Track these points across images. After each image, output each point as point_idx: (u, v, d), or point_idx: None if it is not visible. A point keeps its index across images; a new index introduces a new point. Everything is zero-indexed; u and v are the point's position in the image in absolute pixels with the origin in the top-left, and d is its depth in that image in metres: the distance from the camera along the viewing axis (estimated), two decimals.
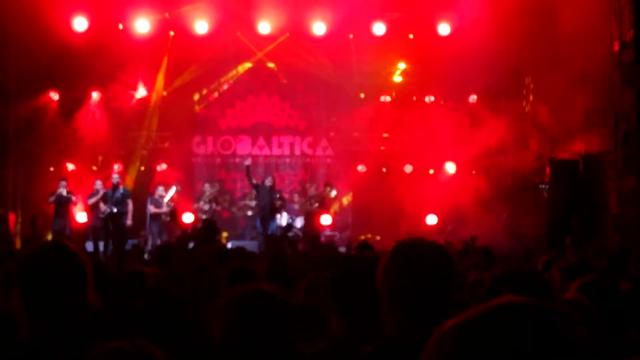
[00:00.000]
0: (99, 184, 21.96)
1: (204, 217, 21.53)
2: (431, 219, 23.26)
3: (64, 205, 21.35)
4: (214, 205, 23.32)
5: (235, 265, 6.86)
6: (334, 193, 23.17)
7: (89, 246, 20.64)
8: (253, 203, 22.96)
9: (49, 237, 20.87)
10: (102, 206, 21.55)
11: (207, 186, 23.71)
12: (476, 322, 1.78)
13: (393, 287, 3.35)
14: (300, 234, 22.13)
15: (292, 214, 23.00)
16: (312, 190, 24.46)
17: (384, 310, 3.38)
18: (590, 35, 17.74)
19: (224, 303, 3.44)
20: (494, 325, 1.77)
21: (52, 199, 21.32)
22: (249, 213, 23.27)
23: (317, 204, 22.88)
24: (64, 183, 21.50)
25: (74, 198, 21.55)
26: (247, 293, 3.45)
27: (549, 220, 17.41)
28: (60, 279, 3.37)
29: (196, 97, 25.41)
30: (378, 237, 22.38)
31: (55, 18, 21.66)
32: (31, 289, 3.37)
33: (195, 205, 23.24)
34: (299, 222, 22.81)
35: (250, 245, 19.37)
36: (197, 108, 25.53)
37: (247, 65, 25.32)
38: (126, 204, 21.67)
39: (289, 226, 21.12)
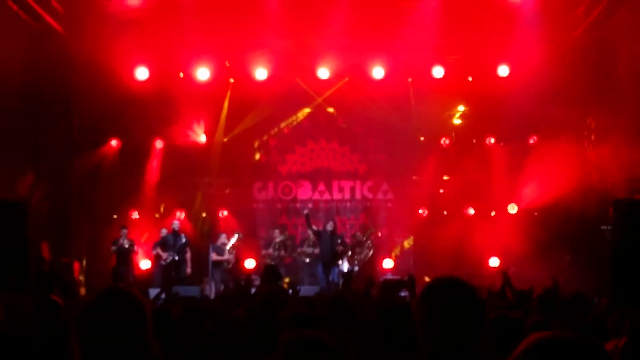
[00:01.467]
0: (164, 232, 22.16)
1: (271, 263, 21.54)
2: (493, 261, 23.04)
3: (125, 254, 21.57)
4: (282, 252, 23.32)
5: (297, 310, 6.87)
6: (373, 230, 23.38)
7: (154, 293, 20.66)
8: (311, 250, 22.96)
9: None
10: (162, 253, 21.72)
11: (276, 233, 23.70)
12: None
13: (425, 318, 3.75)
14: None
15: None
16: (358, 235, 24.24)
17: (419, 339, 3.78)
18: None
19: (278, 349, 3.62)
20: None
21: (113, 248, 21.55)
22: (307, 260, 23.22)
23: (371, 252, 22.95)
24: (124, 231, 21.74)
25: (135, 248, 21.76)
26: (299, 340, 3.62)
27: (612, 263, 17.06)
28: (119, 326, 3.38)
29: (256, 143, 25.61)
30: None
31: (117, 68, 22.03)
32: (90, 337, 3.38)
33: (263, 252, 23.25)
34: (357, 267, 22.79)
35: (311, 290, 19.37)
36: (257, 154, 25.70)
37: (307, 110, 25.48)
38: (185, 252, 21.85)
39: (350, 275, 21.10)
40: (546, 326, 7.02)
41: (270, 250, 23.11)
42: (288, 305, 7.84)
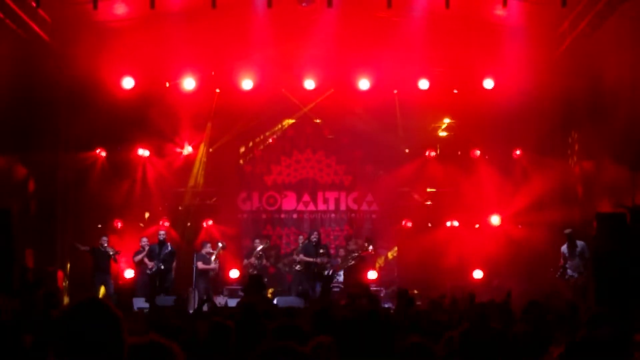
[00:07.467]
0: (144, 241, 22.11)
1: (254, 272, 21.51)
2: (477, 274, 23.10)
3: (104, 260, 21.49)
4: (264, 261, 23.25)
5: (282, 322, 6.94)
6: (370, 247, 23.23)
7: (137, 302, 20.51)
8: (300, 257, 22.87)
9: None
10: (148, 262, 21.67)
11: (257, 242, 23.63)
12: None
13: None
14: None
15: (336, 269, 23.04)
16: (351, 244, 24.46)
17: None
18: (635, 88, 17.64)
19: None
20: None
21: (85, 248, 21.53)
22: (297, 267, 23.08)
23: (354, 260, 22.99)
24: (105, 239, 21.68)
25: (112, 252, 21.60)
26: (268, 350, 3.71)
27: (595, 275, 17.15)
28: (93, 337, 3.38)
29: (241, 153, 25.59)
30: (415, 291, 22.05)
31: (104, 77, 22.02)
32: (65, 348, 3.38)
33: (245, 261, 23.22)
34: (340, 277, 22.84)
35: (297, 301, 19.37)
36: (242, 163, 25.64)
37: (292, 121, 25.49)
38: (171, 262, 21.81)
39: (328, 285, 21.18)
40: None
41: (253, 259, 23.01)
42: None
